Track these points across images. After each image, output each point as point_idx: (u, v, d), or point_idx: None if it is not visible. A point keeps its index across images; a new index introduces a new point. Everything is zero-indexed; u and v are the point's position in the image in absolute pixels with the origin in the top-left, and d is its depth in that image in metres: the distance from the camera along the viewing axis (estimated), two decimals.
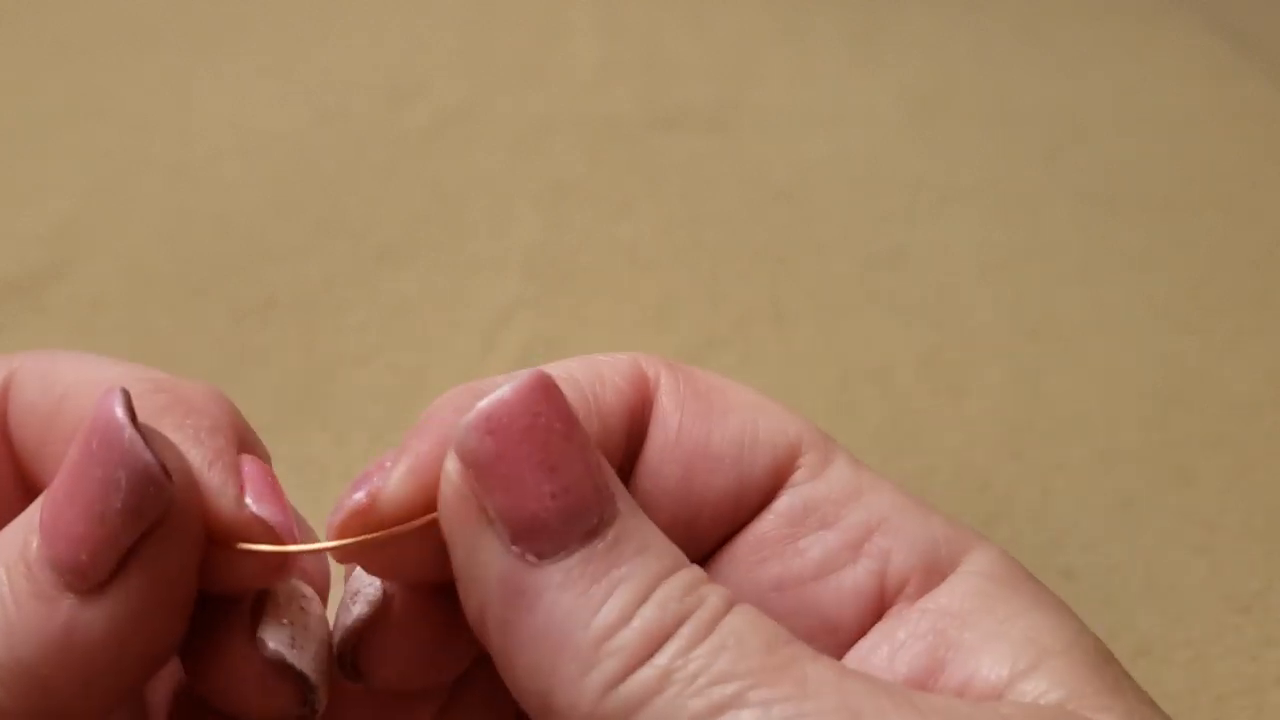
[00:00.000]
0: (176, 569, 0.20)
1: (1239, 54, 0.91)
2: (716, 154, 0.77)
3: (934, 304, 0.62)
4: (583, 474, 0.19)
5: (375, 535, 0.20)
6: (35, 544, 0.20)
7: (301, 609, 0.22)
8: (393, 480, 0.20)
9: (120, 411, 0.19)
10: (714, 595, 0.19)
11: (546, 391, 0.19)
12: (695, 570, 0.19)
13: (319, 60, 0.88)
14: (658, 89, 0.85)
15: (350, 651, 0.22)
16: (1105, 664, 0.20)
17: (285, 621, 0.22)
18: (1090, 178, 0.75)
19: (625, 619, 0.18)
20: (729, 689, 0.17)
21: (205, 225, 0.67)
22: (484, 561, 0.19)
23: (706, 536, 0.23)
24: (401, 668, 0.22)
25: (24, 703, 0.19)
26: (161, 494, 0.20)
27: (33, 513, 0.20)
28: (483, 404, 0.19)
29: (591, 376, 0.23)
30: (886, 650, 0.21)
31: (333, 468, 0.49)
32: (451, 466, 0.19)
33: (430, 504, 0.20)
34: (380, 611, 0.22)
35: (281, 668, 0.21)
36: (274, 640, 0.21)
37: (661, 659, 0.18)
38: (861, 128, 0.80)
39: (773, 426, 0.23)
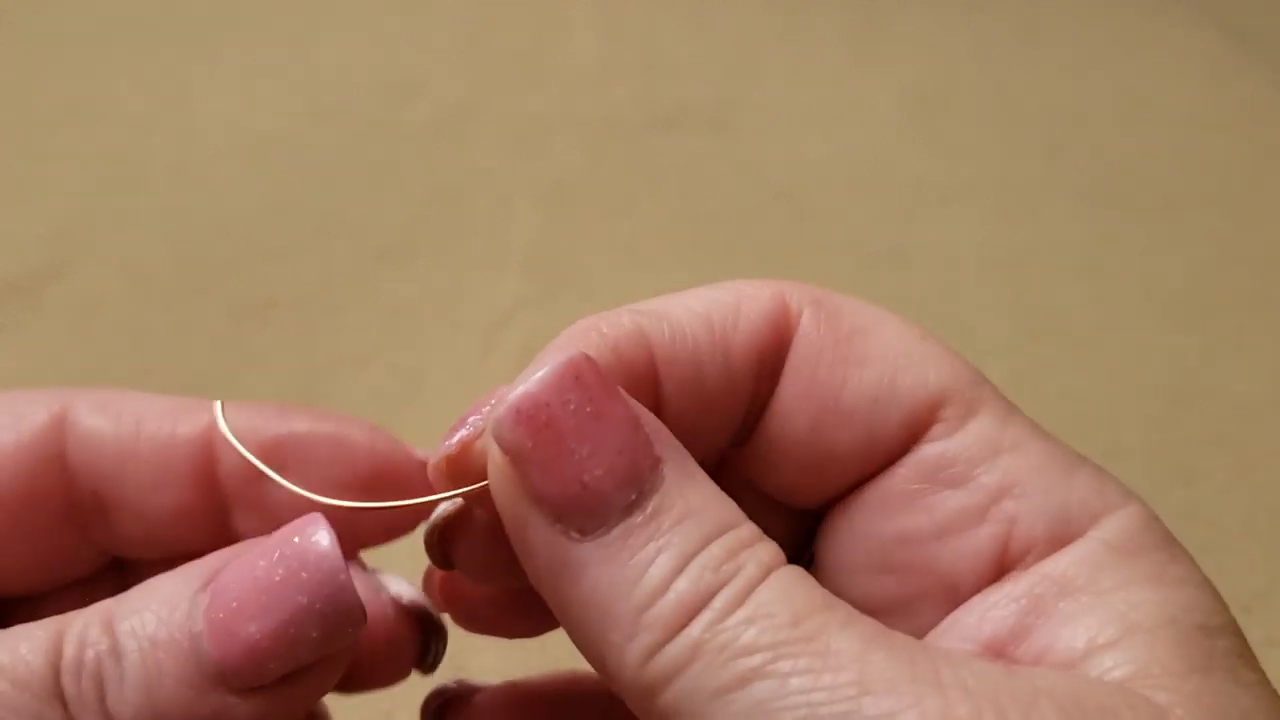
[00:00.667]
0: (334, 678, 0.21)
1: (1240, 53, 0.91)
2: (716, 154, 0.76)
3: (934, 303, 0.62)
4: (618, 453, 0.19)
5: (433, 498, 0.22)
6: (200, 633, 0.20)
7: (405, 578, 0.24)
8: (490, 425, 0.21)
9: (334, 547, 0.20)
10: (752, 563, 0.19)
11: (576, 377, 0.20)
12: (739, 533, 0.19)
13: (318, 60, 0.88)
14: (658, 89, 0.84)
15: (439, 538, 0.23)
16: (1199, 643, 0.19)
17: (407, 582, 0.23)
18: (1091, 176, 0.75)
19: (662, 590, 0.19)
20: (753, 661, 0.18)
21: (205, 225, 0.67)
22: (531, 538, 0.20)
23: (835, 484, 0.23)
24: (485, 556, 0.23)
25: None
26: (355, 632, 0.21)
27: (187, 590, 0.20)
28: (512, 395, 0.19)
29: (727, 311, 0.23)
30: (979, 611, 0.21)
31: None
32: (494, 450, 0.20)
33: None
34: (467, 509, 0.23)
35: (423, 616, 0.23)
36: (409, 594, 0.23)
37: (695, 630, 0.18)
38: (861, 127, 0.80)
39: (912, 379, 0.22)
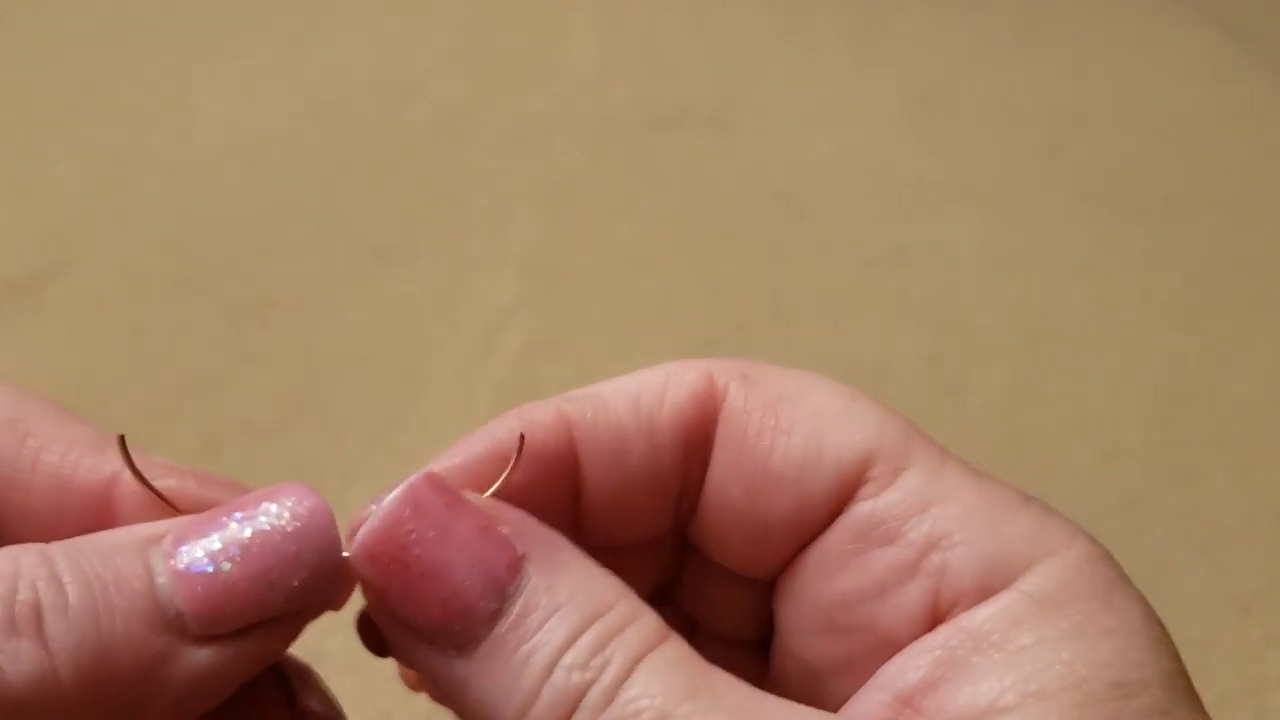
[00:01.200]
0: (288, 640, 0.21)
1: (1240, 53, 0.91)
2: (716, 154, 0.76)
3: (934, 304, 0.62)
4: (470, 568, 0.20)
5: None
6: (159, 575, 0.20)
7: (316, 679, 0.24)
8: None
9: (327, 506, 0.20)
10: (620, 653, 0.19)
11: (415, 504, 0.20)
12: (607, 621, 0.20)
13: (317, 60, 0.88)
14: (658, 89, 0.84)
15: (368, 625, 0.23)
16: (1105, 705, 0.19)
17: (318, 687, 0.24)
18: (1091, 177, 0.75)
19: (534, 695, 0.19)
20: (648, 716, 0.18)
21: (204, 225, 0.67)
22: (415, 659, 0.20)
23: (777, 552, 0.23)
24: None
25: (81, 709, 0.19)
26: (337, 587, 0.21)
27: (141, 534, 0.20)
28: (359, 535, 0.20)
29: (654, 391, 0.23)
30: (901, 661, 0.21)
31: (330, 467, 0.49)
32: (362, 589, 0.21)
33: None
34: None
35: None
36: (320, 707, 0.23)
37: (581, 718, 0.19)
38: (861, 127, 0.80)
39: (838, 440, 0.22)
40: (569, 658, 0.19)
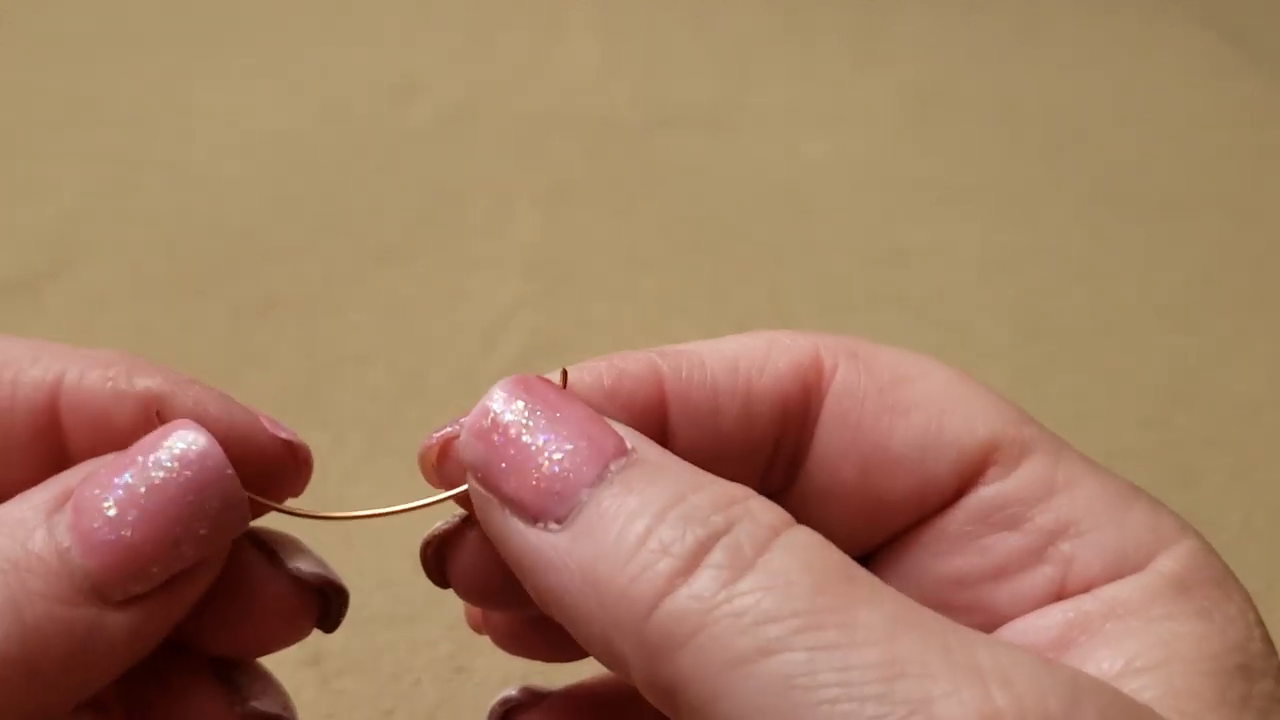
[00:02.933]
0: (210, 578, 0.21)
1: (1238, 53, 0.91)
2: (717, 154, 0.76)
3: (934, 304, 0.62)
4: (576, 437, 0.20)
5: (414, 505, 0.22)
6: (67, 548, 0.19)
7: (300, 544, 0.24)
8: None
9: (213, 443, 0.20)
10: (747, 519, 0.18)
11: (526, 387, 0.20)
12: (727, 488, 0.19)
13: (318, 60, 0.88)
14: (658, 89, 0.85)
15: (434, 553, 0.23)
16: (1237, 682, 0.19)
17: (303, 550, 0.23)
18: (1090, 177, 0.75)
19: (641, 542, 0.18)
20: (774, 630, 0.17)
21: (205, 225, 0.67)
22: (514, 546, 0.20)
23: (886, 528, 0.23)
24: (480, 576, 0.23)
25: (19, 695, 0.19)
26: (242, 524, 0.21)
27: (44, 508, 0.20)
28: (468, 416, 0.20)
29: (755, 357, 0.23)
30: (1025, 623, 0.21)
31: (332, 467, 0.49)
32: (469, 473, 0.20)
33: None
34: (464, 524, 0.23)
35: (324, 585, 0.23)
36: (307, 565, 0.23)
37: (701, 586, 0.17)
38: (861, 127, 0.80)
39: (960, 423, 0.22)
40: (683, 508, 0.18)
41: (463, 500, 0.22)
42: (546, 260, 0.65)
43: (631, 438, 0.20)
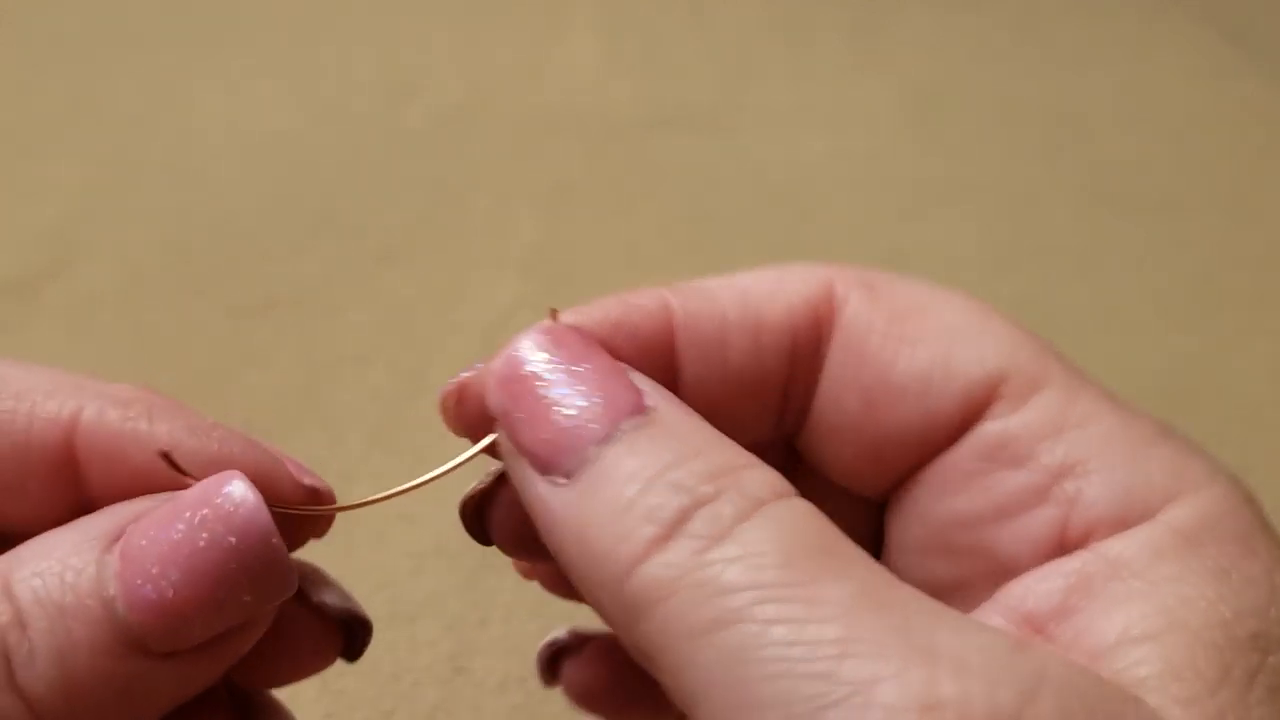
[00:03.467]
0: (256, 636, 0.21)
1: (1238, 53, 0.91)
2: (716, 154, 0.76)
3: None
4: (594, 392, 0.19)
5: (421, 482, 0.22)
6: (113, 597, 0.19)
7: (327, 577, 0.24)
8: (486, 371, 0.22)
9: (261, 507, 0.20)
10: (734, 489, 0.18)
11: (550, 336, 0.21)
12: (727, 456, 0.19)
13: (318, 60, 0.88)
14: (658, 89, 0.84)
15: (474, 510, 0.23)
16: (1245, 654, 0.18)
17: (330, 583, 0.23)
18: (1090, 176, 0.75)
19: (629, 506, 0.18)
20: (734, 601, 0.17)
21: (204, 225, 0.67)
22: (530, 496, 0.20)
23: (895, 466, 0.22)
24: (518, 529, 0.22)
25: None
26: (287, 591, 0.20)
27: (89, 554, 0.19)
28: (494, 364, 0.21)
29: (765, 288, 0.22)
30: (1027, 583, 0.20)
31: (331, 467, 0.49)
32: (498, 422, 0.20)
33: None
34: (501, 480, 0.23)
35: (350, 619, 0.23)
36: (333, 599, 0.23)
37: (673, 554, 0.17)
38: (861, 127, 0.80)
39: (969, 354, 0.21)
40: (675, 475, 0.18)
41: (495, 450, 0.22)
42: (546, 260, 0.64)
43: (654, 396, 0.19)
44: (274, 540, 0.20)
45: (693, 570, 0.17)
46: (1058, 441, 0.20)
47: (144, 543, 0.19)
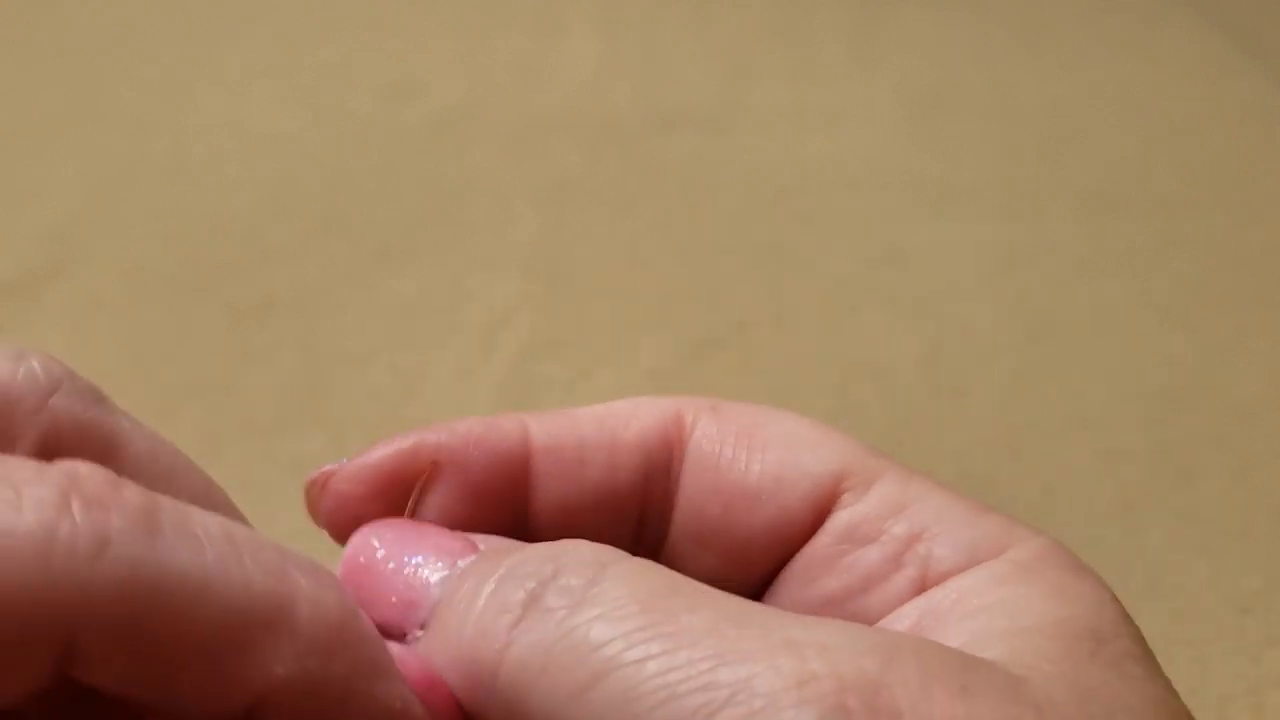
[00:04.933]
0: None
1: (1239, 52, 0.91)
2: (716, 154, 0.76)
3: (934, 304, 0.62)
4: (421, 553, 0.21)
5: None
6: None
7: None
8: (348, 466, 0.23)
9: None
10: (581, 559, 0.19)
11: (372, 529, 0.22)
12: (556, 545, 0.20)
13: (318, 60, 0.88)
14: (657, 89, 0.84)
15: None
16: (1085, 642, 0.20)
17: None
18: (1090, 177, 0.75)
19: (481, 607, 0.19)
20: (605, 653, 0.18)
21: (204, 225, 0.67)
22: (403, 671, 0.20)
23: (759, 566, 0.24)
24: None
25: None
26: None
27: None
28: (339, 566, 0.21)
29: (621, 413, 0.24)
30: (885, 621, 0.22)
31: None
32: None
33: (381, 500, 0.23)
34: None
35: None
36: None
37: (537, 632, 0.18)
38: (861, 127, 0.80)
39: (813, 456, 0.23)
40: (513, 568, 0.19)
41: None
42: (546, 260, 0.64)
43: (486, 542, 0.21)
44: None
45: (560, 639, 0.18)
46: (901, 518, 0.23)
47: None
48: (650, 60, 0.89)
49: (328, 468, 0.23)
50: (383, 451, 0.23)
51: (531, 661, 0.18)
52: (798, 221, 0.70)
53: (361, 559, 0.21)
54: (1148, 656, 0.20)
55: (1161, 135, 0.80)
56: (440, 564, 0.20)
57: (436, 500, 0.23)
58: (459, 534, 0.21)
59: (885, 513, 0.23)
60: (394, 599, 0.20)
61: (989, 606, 0.20)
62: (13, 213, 0.68)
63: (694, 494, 0.24)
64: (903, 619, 0.21)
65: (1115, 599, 0.21)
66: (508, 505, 0.23)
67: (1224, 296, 0.63)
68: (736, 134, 0.79)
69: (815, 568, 0.23)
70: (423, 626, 0.20)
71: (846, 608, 0.23)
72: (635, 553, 0.23)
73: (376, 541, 0.21)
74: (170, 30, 0.91)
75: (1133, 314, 0.62)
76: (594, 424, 0.24)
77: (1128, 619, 0.21)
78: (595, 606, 0.18)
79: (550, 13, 0.96)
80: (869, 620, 0.22)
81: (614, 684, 0.17)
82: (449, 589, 0.20)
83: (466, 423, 0.24)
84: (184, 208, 0.69)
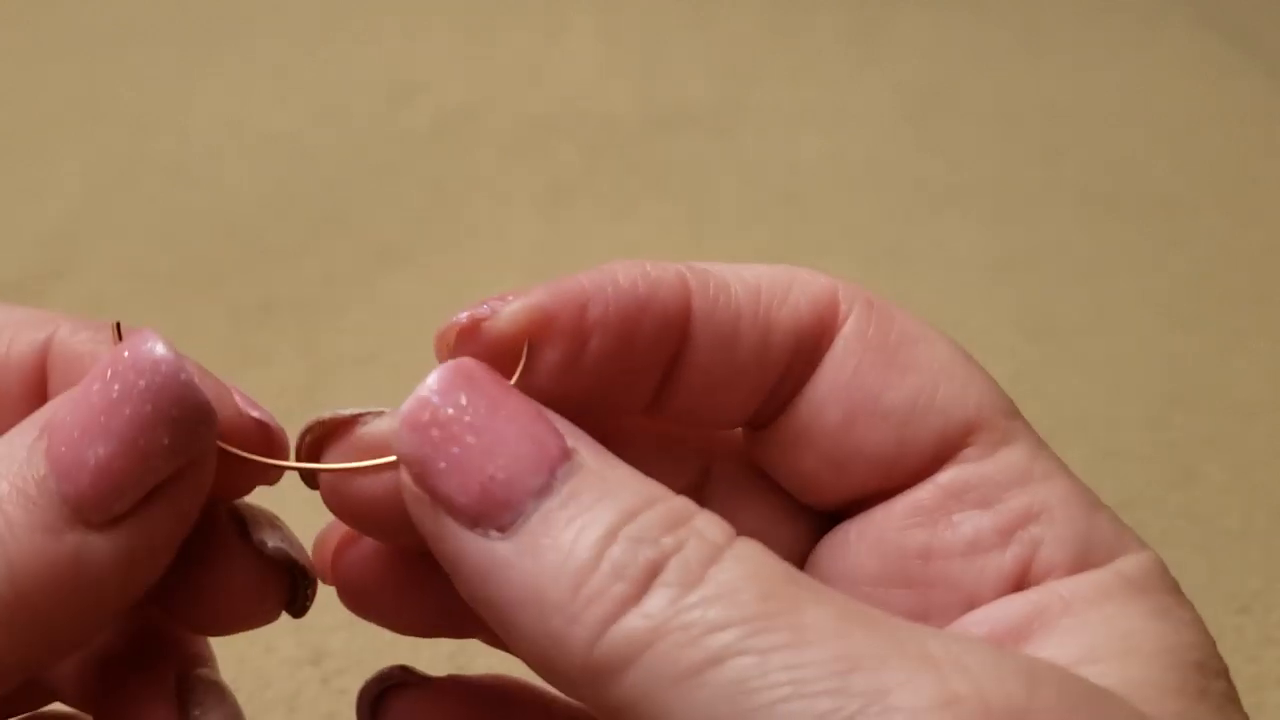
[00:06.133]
0: (197, 500, 0.21)
1: (1239, 53, 0.91)
2: (716, 154, 0.77)
3: (933, 304, 0.62)
4: (520, 441, 0.19)
5: (351, 466, 0.22)
6: (44, 475, 0.19)
7: (276, 521, 0.23)
8: (503, 313, 0.22)
9: (172, 351, 0.20)
10: (694, 536, 0.18)
11: (464, 380, 0.20)
12: (673, 505, 0.19)
13: (319, 60, 0.88)
14: (658, 89, 0.85)
15: (309, 444, 0.23)
16: (1194, 676, 0.19)
17: (276, 526, 0.23)
18: (1090, 177, 0.75)
19: (594, 563, 0.18)
20: (725, 638, 0.17)
21: (205, 225, 0.67)
22: (452, 549, 0.19)
23: (855, 485, 0.23)
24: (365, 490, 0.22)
25: (19, 634, 0.19)
26: (210, 434, 0.20)
27: (22, 442, 0.20)
28: (404, 406, 0.20)
29: (778, 288, 0.23)
30: (984, 612, 0.21)
31: None
32: (403, 472, 0.20)
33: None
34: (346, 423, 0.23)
35: (287, 563, 0.22)
36: (273, 540, 0.22)
37: (651, 606, 0.17)
38: (861, 127, 0.80)
39: (952, 395, 0.22)
40: (633, 529, 0.18)
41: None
42: (546, 260, 0.65)
43: (571, 437, 0.19)
44: (183, 376, 0.20)
45: (672, 617, 0.17)
46: (1023, 491, 0.22)
47: (67, 416, 0.20)
48: (650, 60, 0.89)
49: (478, 313, 0.22)
50: (541, 296, 0.22)
51: (639, 638, 0.17)
52: (798, 221, 0.70)
53: (447, 412, 0.19)
54: (1238, 699, 0.20)
55: (1161, 136, 0.80)
56: (538, 469, 0.19)
57: (553, 357, 0.21)
58: (551, 426, 0.19)
59: (1007, 481, 0.22)
60: (476, 486, 0.19)
61: (1099, 622, 0.20)
62: (14, 213, 0.68)
63: (822, 392, 0.22)
64: (1006, 612, 0.21)
65: (1206, 629, 0.21)
66: (652, 369, 0.22)
67: (1224, 296, 0.63)
68: (736, 134, 0.79)
69: (918, 514, 0.22)
70: (502, 529, 0.18)
71: (940, 566, 0.22)
72: (751, 429, 0.23)
73: (466, 401, 0.20)
74: (170, 30, 0.92)
75: (1133, 314, 0.62)
76: (750, 297, 0.22)
77: (1218, 653, 0.20)
78: (712, 587, 0.17)
79: (551, 14, 0.96)
80: (960, 588, 0.21)
81: (729, 672, 0.16)
82: (549, 518, 0.18)
83: (629, 275, 0.22)
84: (185, 208, 0.69)
